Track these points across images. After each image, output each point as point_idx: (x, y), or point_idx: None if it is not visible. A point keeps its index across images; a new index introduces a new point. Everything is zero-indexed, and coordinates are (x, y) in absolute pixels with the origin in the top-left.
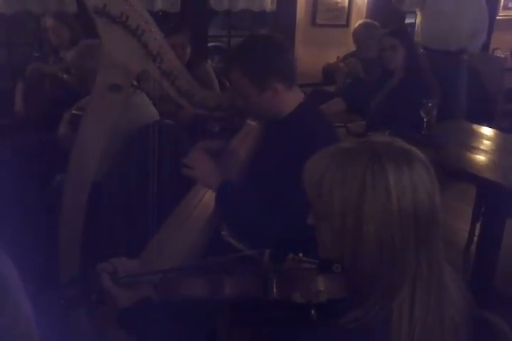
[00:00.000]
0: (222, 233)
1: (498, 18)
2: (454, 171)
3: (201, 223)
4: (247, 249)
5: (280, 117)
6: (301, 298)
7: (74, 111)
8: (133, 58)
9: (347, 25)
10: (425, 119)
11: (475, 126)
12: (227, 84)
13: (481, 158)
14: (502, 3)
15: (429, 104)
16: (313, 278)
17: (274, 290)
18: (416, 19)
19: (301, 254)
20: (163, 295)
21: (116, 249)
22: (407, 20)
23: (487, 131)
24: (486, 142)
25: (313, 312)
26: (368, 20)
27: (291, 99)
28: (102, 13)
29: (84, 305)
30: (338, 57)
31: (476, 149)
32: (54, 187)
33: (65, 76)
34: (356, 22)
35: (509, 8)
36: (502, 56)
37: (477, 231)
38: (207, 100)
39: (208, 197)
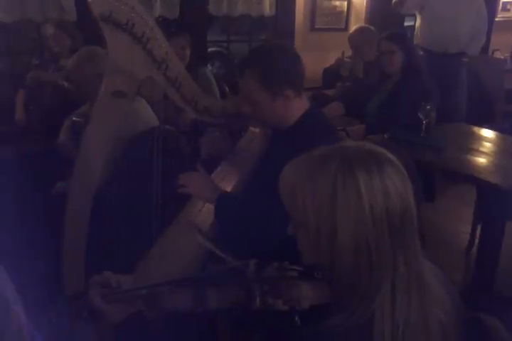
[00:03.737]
0: (208, 245)
1: (496, 19)
2: (454, 173)
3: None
4: (234, 259)
5: (286, 125)
6: (284, 305)
7: (74, 118)
8: (138, 65)
9: (346, 29)
10: (424, 121)
11: (474, 128)
12: (227, 89)
13: (480, 159)
14: (501, 5)
15: (428, 107)
16: (296, 285)
17: (258, 299)
18: (415, 22)
19: (286, 263)
20: (150, 310)
21: (118, 258)
22: (407, 23)
23: (486, 132)
24: (486, 144)
25: (296, 318)
26: (364, 25)
27: (299, 107)
28: (108, 20)
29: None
30: (342, 53)
31: (475, 151)
32: (55, 194)
33: (65, 84)
34: (355, 26)
35: (508, 10)
36: (502, 57)
37: (478, 234)
38: (211, 107)
39: (206, 209)
